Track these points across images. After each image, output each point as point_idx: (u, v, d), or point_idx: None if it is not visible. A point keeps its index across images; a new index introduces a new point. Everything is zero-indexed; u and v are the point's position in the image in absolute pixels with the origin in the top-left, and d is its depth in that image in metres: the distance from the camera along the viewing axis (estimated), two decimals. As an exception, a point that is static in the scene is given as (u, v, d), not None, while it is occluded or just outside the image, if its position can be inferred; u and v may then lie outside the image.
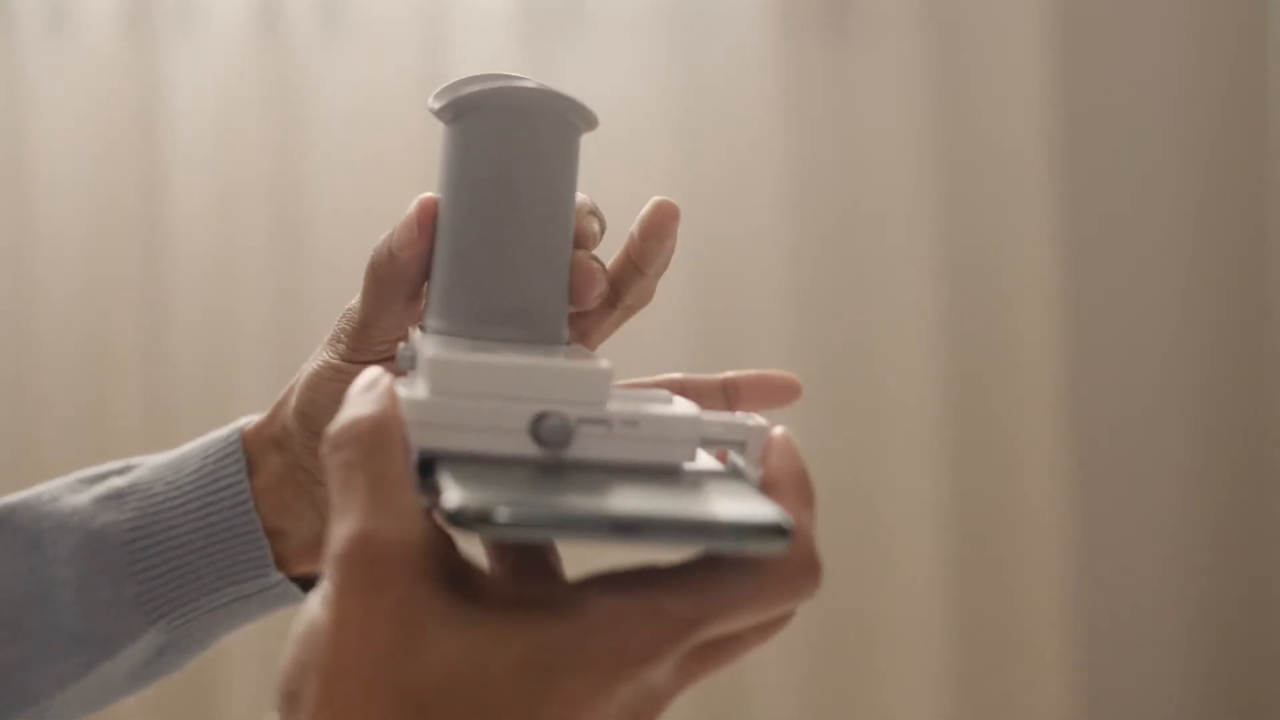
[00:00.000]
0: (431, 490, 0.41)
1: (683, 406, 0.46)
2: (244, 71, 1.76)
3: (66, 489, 0.65)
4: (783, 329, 1.76)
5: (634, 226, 0.59)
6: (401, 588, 0.39)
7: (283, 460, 0.64)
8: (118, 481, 0.65)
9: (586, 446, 0.44)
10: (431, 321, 0.53)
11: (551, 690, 0.38)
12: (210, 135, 1.77)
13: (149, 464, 0.66)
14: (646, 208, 0.59)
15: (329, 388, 0.61)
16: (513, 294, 0.52)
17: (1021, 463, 1.78)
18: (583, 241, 0.57)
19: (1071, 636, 1.78)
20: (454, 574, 0.41)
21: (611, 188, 1.80)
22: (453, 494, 0.39)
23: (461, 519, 0.38)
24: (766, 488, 0.44)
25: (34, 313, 1.77)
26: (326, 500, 0.63)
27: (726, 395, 0.62)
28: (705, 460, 0.47)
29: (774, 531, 0.39)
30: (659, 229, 0.59)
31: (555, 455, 0.44)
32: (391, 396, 0.42)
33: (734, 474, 0.46)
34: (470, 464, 0.42)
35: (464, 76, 0.53)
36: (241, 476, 0.64)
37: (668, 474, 0.44)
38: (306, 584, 0.66)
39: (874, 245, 1.78)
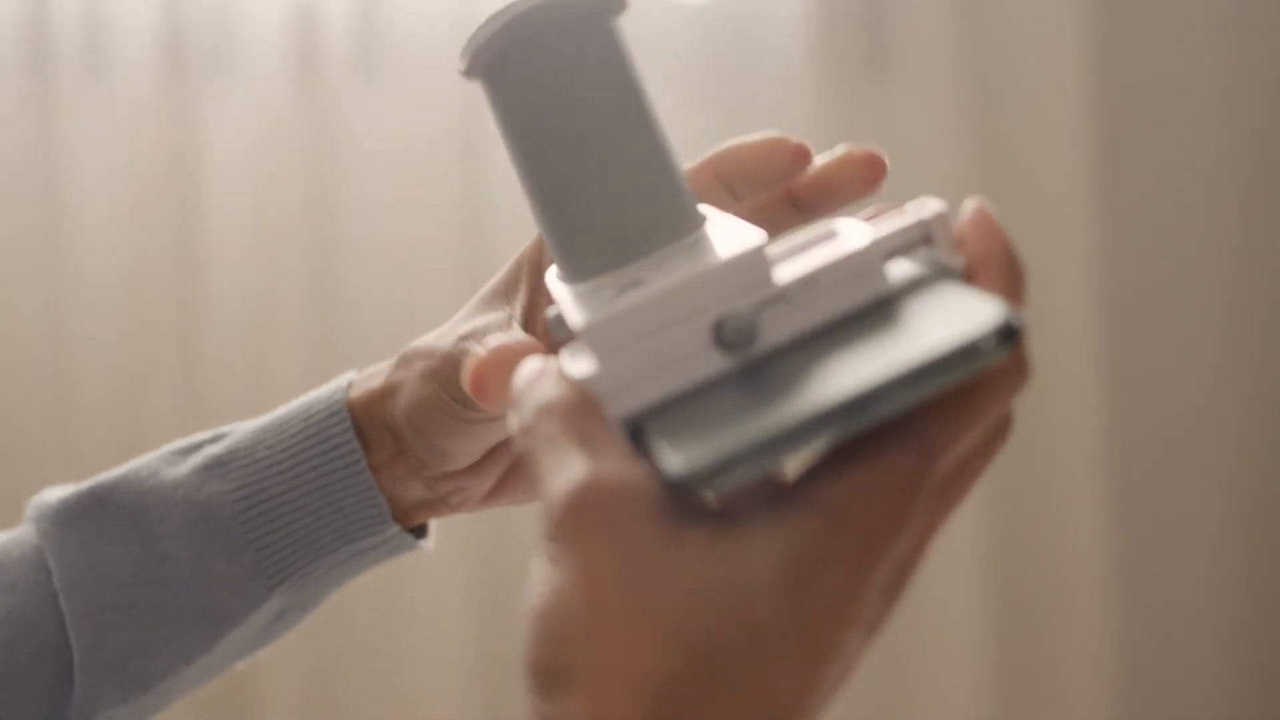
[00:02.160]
0: (647, 455, 0.39)
1: (852, 237, 0.42)
2: (281, 116, 1.77)
3: (162, 462, 0.63)
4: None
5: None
6: (642, 525, 0.37)
7: (398, 446, 0.61)
8: (214, 449, 0.63)
9: (777, 328, 0.40)
10: (562, 270, 0.49)
11: (815, 593, 0.37)
12: (247, 180, 1.78)
13: (243, 429, 0.64)
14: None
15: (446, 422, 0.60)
16: (625, 210, 0.47)
17: (1061, 500, 1.78)
18: None
19: (1112, 671, 1.77)
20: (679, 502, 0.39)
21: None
22: (672, 459, 0.37)
23: (693, 484, 0.36)
24: (970, 276, 0.41)
25: (71, 358, 1.77)
26: (436, 479, 0.62)
27: (795, 207, 0.58)
28: (900, 270, 0.43)
29: (1005, 334, 0.37)
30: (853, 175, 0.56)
31: (750, 355, 0.40)
32: (566, 379, 0.41)
33: (937, 272, 0.42)
34: (677, 412, 0.40)
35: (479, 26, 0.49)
36: (349, 436, 0.61)
37: (871, 314, 0.41)
38: (418, 533, 0.65)
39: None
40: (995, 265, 0.41)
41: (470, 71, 0.48)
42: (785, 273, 0.41)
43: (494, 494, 0.64)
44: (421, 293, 1.76)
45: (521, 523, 1.72)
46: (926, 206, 0.43)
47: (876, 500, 0.38)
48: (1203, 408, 1.84)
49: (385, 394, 0.62)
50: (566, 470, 0.38)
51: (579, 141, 0.47)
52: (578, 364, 0.42)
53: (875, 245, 0.42)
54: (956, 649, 1.76)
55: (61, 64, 1.78)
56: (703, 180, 0.57)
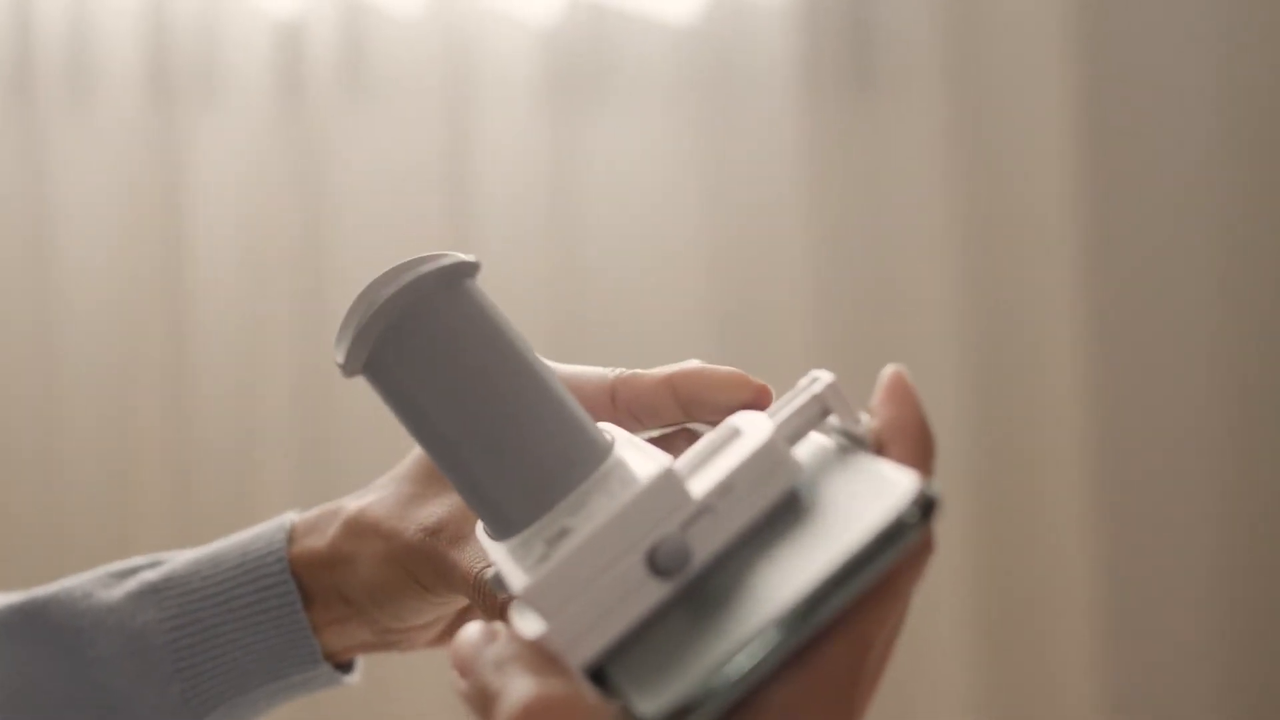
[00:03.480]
0: (613, 695, 0.40)
1: (754, 433, 0.43)
2: (267, 139, 1.77)
3: (96, 584, 0.63)
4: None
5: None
6: None
7: (352, 610, 0.62)
8: (150, 576, 0.63)
9: (707, 542, 0.42)
10: (489, 530, 0.50)
11: None
12: (234, 203, 1.77)
13: (180, 558, 0.64)
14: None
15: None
16: (533, 464, 0.47)
17: (1049, 528, 1.78)
18: None
19: (1102, 684, 1.78)
20: None
21: (638, 252, 1.82)
22: (643, 704, 0.38)
23: None
24: (882, 445, 0.42)
25: (59, 382, 1.77)
26: (387, 630, 0.62)
27: (675, 393, 0.56)
28: (809, 448, 0.44)
29: (918, 510, 0.38)
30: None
31: (689, 573, 0.42)
32: (517, 637, 0.42)
33: (844, 446, 0.43)
34: (634, 649, 0.41)
35: (345, 316, 0.48)
36: (286, 578, 0.62)
37: (792, 504, 0.42)
38: (347, 667, 0.66)
39: (900, 307, 1.78)
40: (906, 436, 0.42)
41: (348, 370, 0.48)
42: (700, 484, 0.43)
43: (442, 637, 0.65)
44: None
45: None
46: (818, 380, 0.44)
47: (821, 697, 0.39)
48: (1189, 423, 1.84)
49: (334, 562, 0.62)
50: (513, 691, 0.39)
51: (470, 413, 0.47)
52: (527, 623, 0.43)
53: (779, 435, 0.43)
54: (942, 663, 1.77)
55: (46, 88, 1.77)
56: (659, 395, 0.57)
